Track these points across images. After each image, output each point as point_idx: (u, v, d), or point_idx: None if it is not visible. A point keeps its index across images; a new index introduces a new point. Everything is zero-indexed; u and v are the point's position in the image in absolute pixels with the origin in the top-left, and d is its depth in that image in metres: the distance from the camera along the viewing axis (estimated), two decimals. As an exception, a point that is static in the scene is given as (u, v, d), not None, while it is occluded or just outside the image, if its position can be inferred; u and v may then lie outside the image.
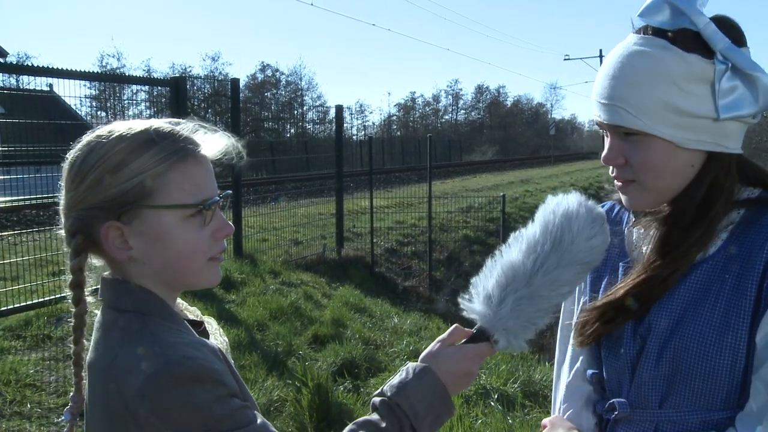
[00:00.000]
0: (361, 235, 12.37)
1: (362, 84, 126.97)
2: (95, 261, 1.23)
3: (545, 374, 5.27)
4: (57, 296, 6.14)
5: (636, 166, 1.23)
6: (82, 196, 1.13)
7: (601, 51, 57.00)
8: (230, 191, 1.26)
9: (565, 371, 1.47)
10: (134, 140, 1.12)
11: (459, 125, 74.86)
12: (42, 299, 6.06)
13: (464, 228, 14.62)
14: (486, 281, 1.22)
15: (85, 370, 1.19)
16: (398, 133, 66.71)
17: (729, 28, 1.19)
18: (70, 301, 1.21)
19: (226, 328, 5.57)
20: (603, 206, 1.47)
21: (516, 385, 4.98)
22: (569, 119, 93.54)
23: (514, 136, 73.54)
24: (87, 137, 1.17)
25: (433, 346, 1.28)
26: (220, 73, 41.21)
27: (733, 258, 1.20)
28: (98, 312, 1.20)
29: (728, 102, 1.16)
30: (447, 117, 76.32)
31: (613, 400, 1.31)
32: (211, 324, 1.35)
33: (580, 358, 1.44)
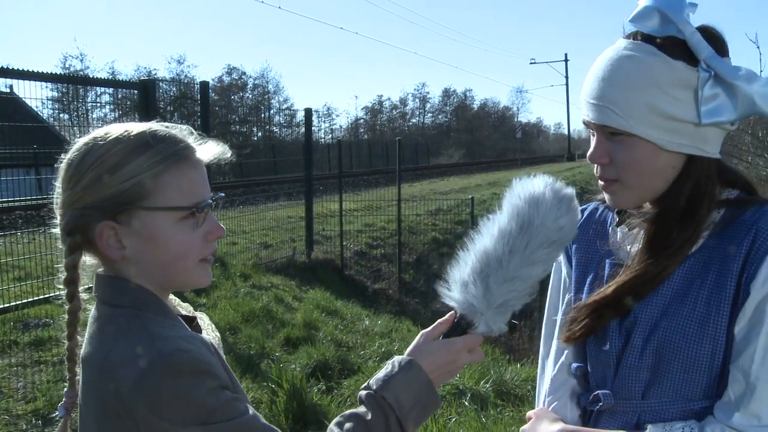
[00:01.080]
0: (330, 238, 12.35)
1: (330, 87, 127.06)
2: (88, 259, 1.24)
3: (516, 374, 5.34)
4: (22, 302, 6.05)
5: (620, 164, 1.28)
6: (78, 196, 1.15)
7: (566, 55, 58.04)
8: (223, 194, 1.29)
9: (550, 365, 1.51)
10: (131, 143, 1.15)
11: (426, 128, 75.15)
12: (7, 305, 5.96)
13: (433, 230, 14.69)
14: (462, 269, 1.25)
15: (79, 365, 1.20)
16: (365, 136, 66.77)
17: (713, 38, 1.24)
18: (64, 297, 1.22)
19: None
20: (587, 207, 1.52)
21: (488, 385, 5.04)
22: (535, 123, 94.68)
23: (480, 140, 74.02)
24: (84, 139, 1.19)
25: (418, 339, 1.30)
26: (186, 75, 40.98)
27: (714, 255, 1.25)
28: (91, 308, 1.21)
29: (710, 108, 1.21)
30: (414, 120, 76.61)
31: (598, 392, 1.35)
32: (204, 319, 1.37)
33: (565, 353, 1.47)
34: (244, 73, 51.91)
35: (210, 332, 1.35)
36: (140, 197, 1.14)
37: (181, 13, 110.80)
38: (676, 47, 1.22)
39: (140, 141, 1.15)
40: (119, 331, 1.12)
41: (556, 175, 1.35)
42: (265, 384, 4.90)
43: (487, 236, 1.25)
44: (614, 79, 1.24)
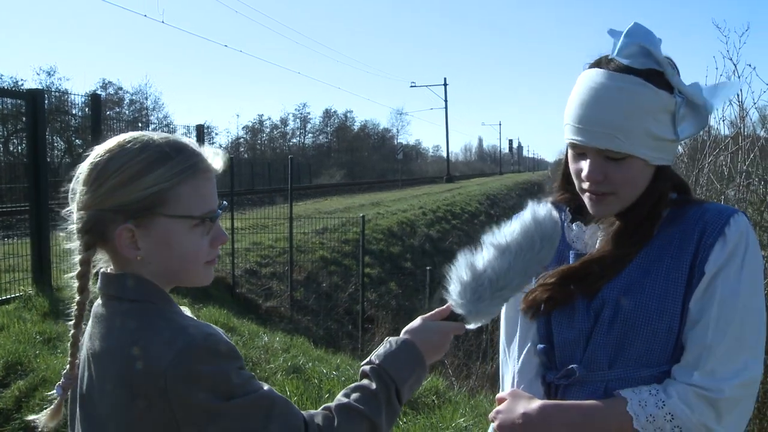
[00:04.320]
0: (220, 256, 12.11)
1: (211, 105, 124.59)
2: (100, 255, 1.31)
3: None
4: None
5: (617, 181, 1.48)
6: (100, 198, 1.23)
7: (445, 79, 59.87)
8: (226, 203, 1.38)
9: (515, 350, 1.67)
10: (153, 153, 1.24)
11: (307, 148, 75.09)
12: None
13: (321, 249, 14.79)
14: (476, 279, 1.40)
15: (83, 355, 1.27)
16: (246, 155, 65.78)
17: (673, 66, 1.48)
18: (75, 289, 1.29)
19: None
20: None
21: (395, 395, 5.18)
22: (414, 144, 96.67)
23: (361, 160, 74.79)
24: (108, 144, 1.27)
25: (415, 321, 1.46)
26: (57, 88, 38.71)
27: (668, 244, 1.49)
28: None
29: (683, 126, 1.47)
30: (295, 140, 76.37)
31: (571, 366, 1.52)
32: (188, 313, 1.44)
33: (529, 335, 1.64)
34: (121, 88, 49.76)
35: None
36: (159, 204, 1.23)
37: (52, 23, 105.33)
38: (658, 78, 1.44)
39: (162, 152, 1.24)
40: (143, 321, 1.20)
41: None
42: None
43: (505, 255, 1.40)
44: (614, 108, 1.43)
